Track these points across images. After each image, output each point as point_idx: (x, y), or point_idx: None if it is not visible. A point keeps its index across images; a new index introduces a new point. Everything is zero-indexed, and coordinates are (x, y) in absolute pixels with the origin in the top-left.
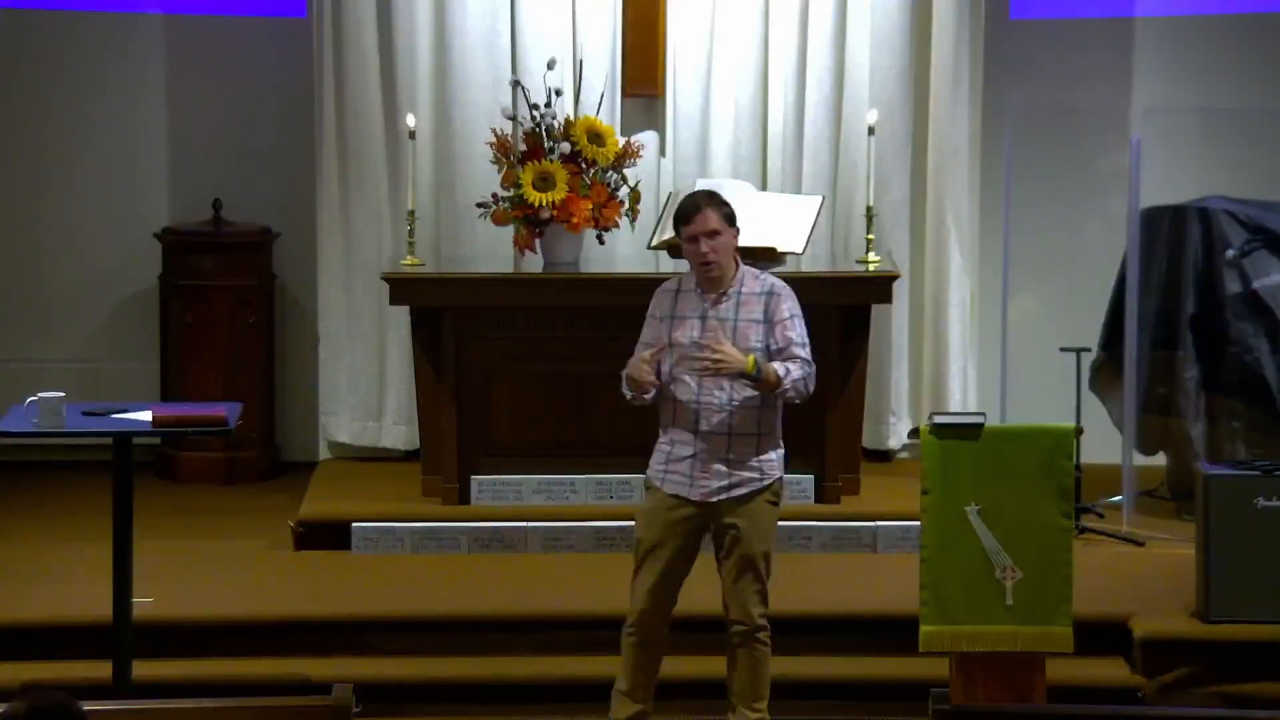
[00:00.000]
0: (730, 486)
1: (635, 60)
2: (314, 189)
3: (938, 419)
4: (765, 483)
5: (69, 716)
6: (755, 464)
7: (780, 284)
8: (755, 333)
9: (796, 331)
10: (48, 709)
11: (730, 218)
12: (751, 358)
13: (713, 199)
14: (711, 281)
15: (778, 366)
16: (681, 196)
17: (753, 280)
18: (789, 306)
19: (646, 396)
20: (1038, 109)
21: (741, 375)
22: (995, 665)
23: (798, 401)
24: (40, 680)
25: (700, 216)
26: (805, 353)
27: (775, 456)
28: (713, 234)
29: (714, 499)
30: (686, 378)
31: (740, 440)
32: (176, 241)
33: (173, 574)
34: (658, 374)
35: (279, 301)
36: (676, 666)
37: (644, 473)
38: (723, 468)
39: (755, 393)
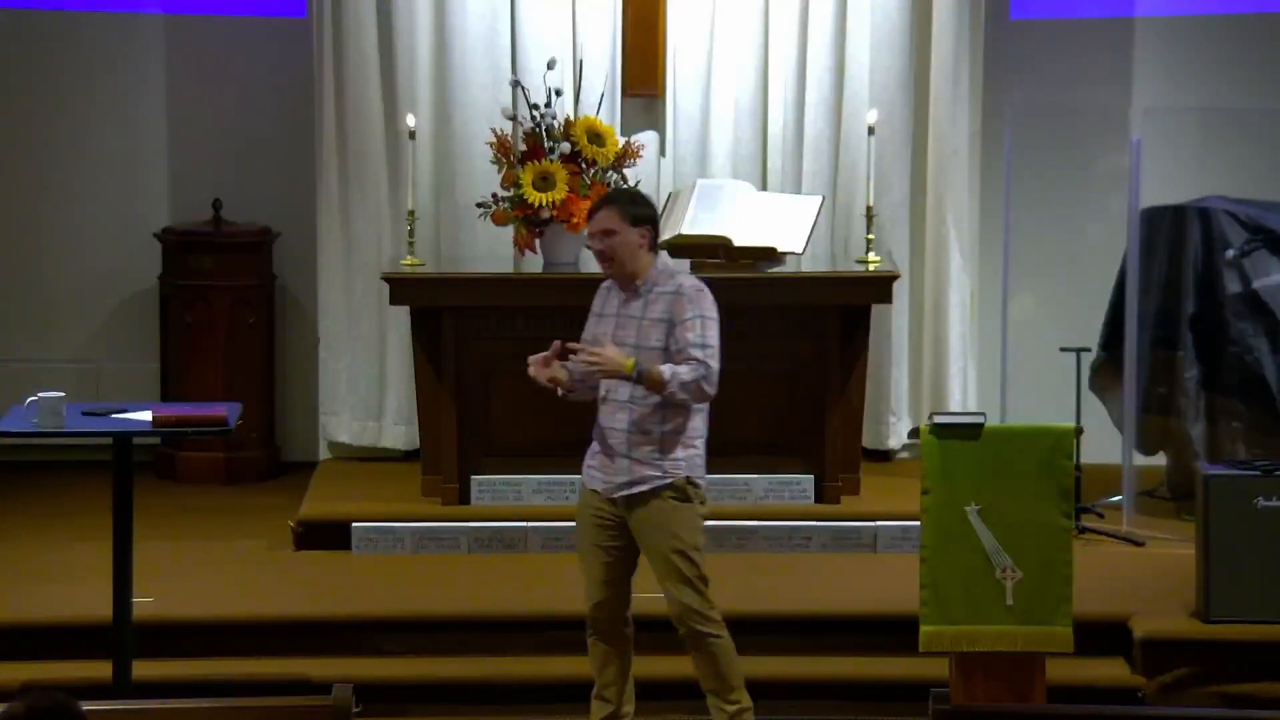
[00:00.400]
0: (631, 484)
1: (635, 60)
2: (314, 189)
3: (938, 419)
4: (667, 480)
5: (68, 717)
6: (657, 462)
7: (690, 285)
8: (657, 332)
9: (695, 333)
10: (47, 709)
11: (637, 217)
12: (631, 360)
13: (619, 199)
14: (618, 278)
15: (665, 368)
16: (681, 195)
17: (666, 280)
18: (692, 308)
19: (571, 394)
20: (1038, 109)
21: (624, 377)
22: (995, 665)
23: (694, 403)
24: (40, 680)
25: (599, 215)
26: (702, 354)
27: (683, 455)
28: (607, 233)
29: (617, 495)
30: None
31: (642, 438)
32: (176, 241)
33: (173, 574)
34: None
35: (279, 301)
36: (677, 667)
37: None
38: (625, 463)
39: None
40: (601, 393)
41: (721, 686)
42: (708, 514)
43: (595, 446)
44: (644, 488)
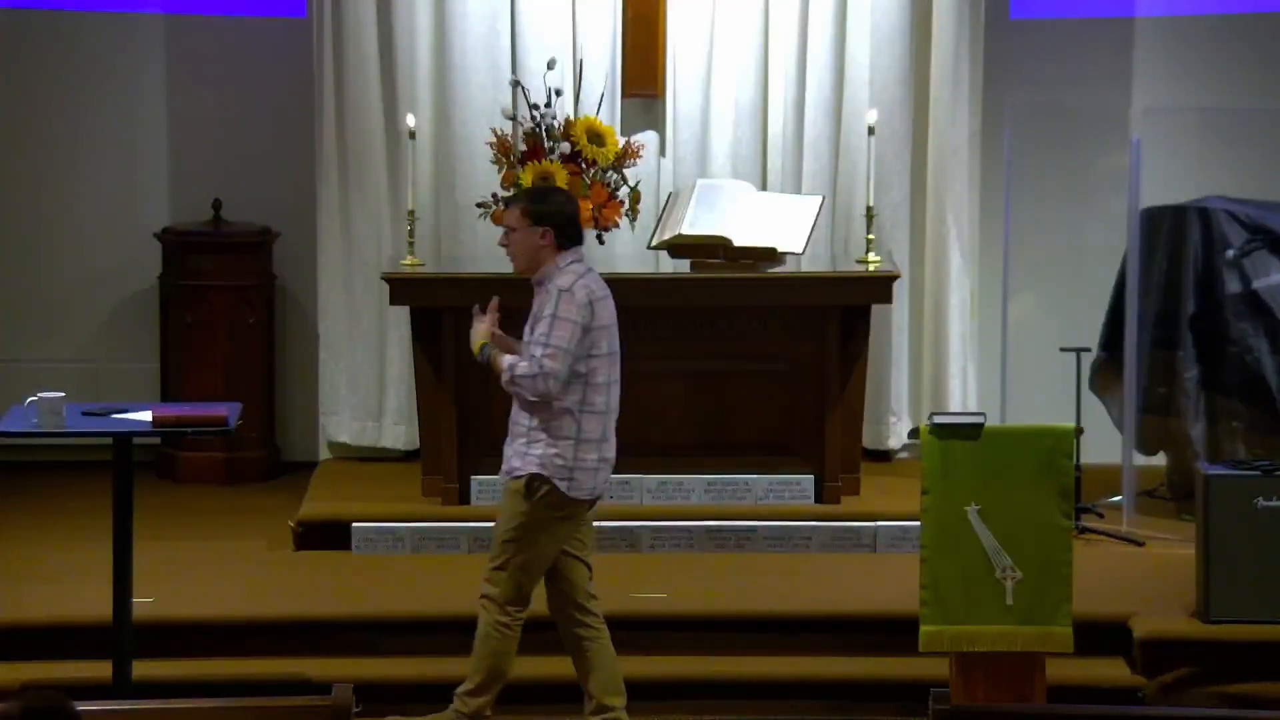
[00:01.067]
0: (505, 471)
1: (635, 60)
2: (314, 189)
3: (938, 419)
4: (517, 474)
5: (63, 717)
6: (520, 455)
7: (564, 284)
8: (536, 326)
9: (541, 331)
10: (41, 710)
11: (537, 214)
12: (480, 342)
13: (523, 197)
14: (521, 273)
15: (507, 359)
16: (681, 195)
17: (557, 277)
18: (550, 307)
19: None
20: (1038, 109)
21: (473, 357)
22: (995, 665)
23: (529, 397)
24: (40, 680)
25: (505, 212)
26: (540, 352)
27: (538, 455)
28: (508, 230)
29: (499, 482)
30: None
31: (516, 428)
32: (176, 241)
33: (173, 574)
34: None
35: (279, 301)
36: (677, 667)
37: (636, 473)
38: (509, 449)
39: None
40: None
41: (471, 669)
42: (553, 518)
43: None
44: (505, 477)
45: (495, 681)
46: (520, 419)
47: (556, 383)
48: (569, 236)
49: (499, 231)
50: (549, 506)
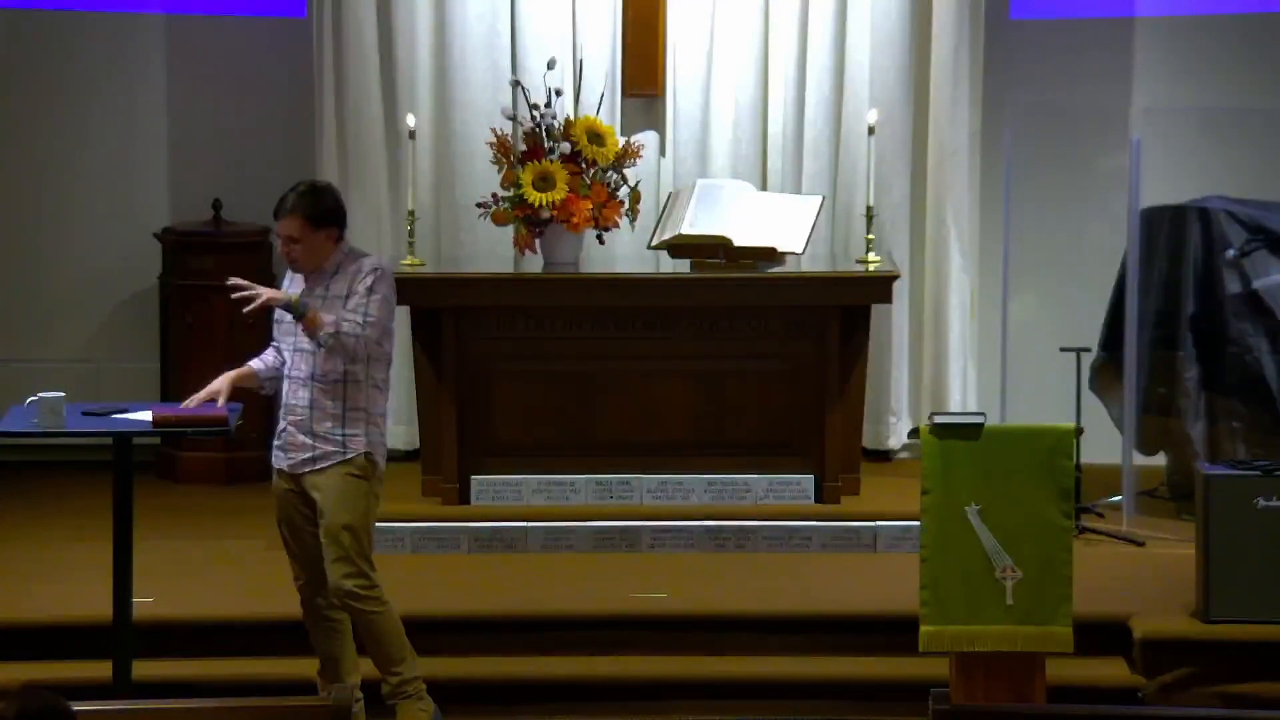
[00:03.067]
0: (314, 459)
1: (635, 60)
2: None
3: (938, 419)
4: (347, 456)
5: (59, 717)
6: (338, 437)
7: (372, 264)
8: (338, 307)
9: (358, 302)
10: (37, 710)
11: (318, 219)
12: (295, 296)
13: (301, 200)
14: (304, 274)
15: (328, 316)
16: (681, 195)
17: (351, 261)
18: (365, 282)
19: (265, 389)
20: (1038, 109)
21: (287, 306)
22: (995, 665)
23: (345, 359)
24: (41, 680)
25: (284, 222)
26: (362, 319)
27: (363, 433)
28: (292, 240)
29: (300, 471)
30: (286, 353)
31: (321, 414)
32: (176, 241)
33: (173, 574)
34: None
35: None
36: (676, 667)
37: (636, 473)
38: (308, 440)
39: (335, 369)
40: (284, 370)
41: (384, 660)
42: (377, 493)
43: (280, 425)
44: (325, 464)
45: (410, 649)
46: (324, 403)
47: (367, 351)
48: (344, 227)
49: (499, 231)
50: (378, 482)
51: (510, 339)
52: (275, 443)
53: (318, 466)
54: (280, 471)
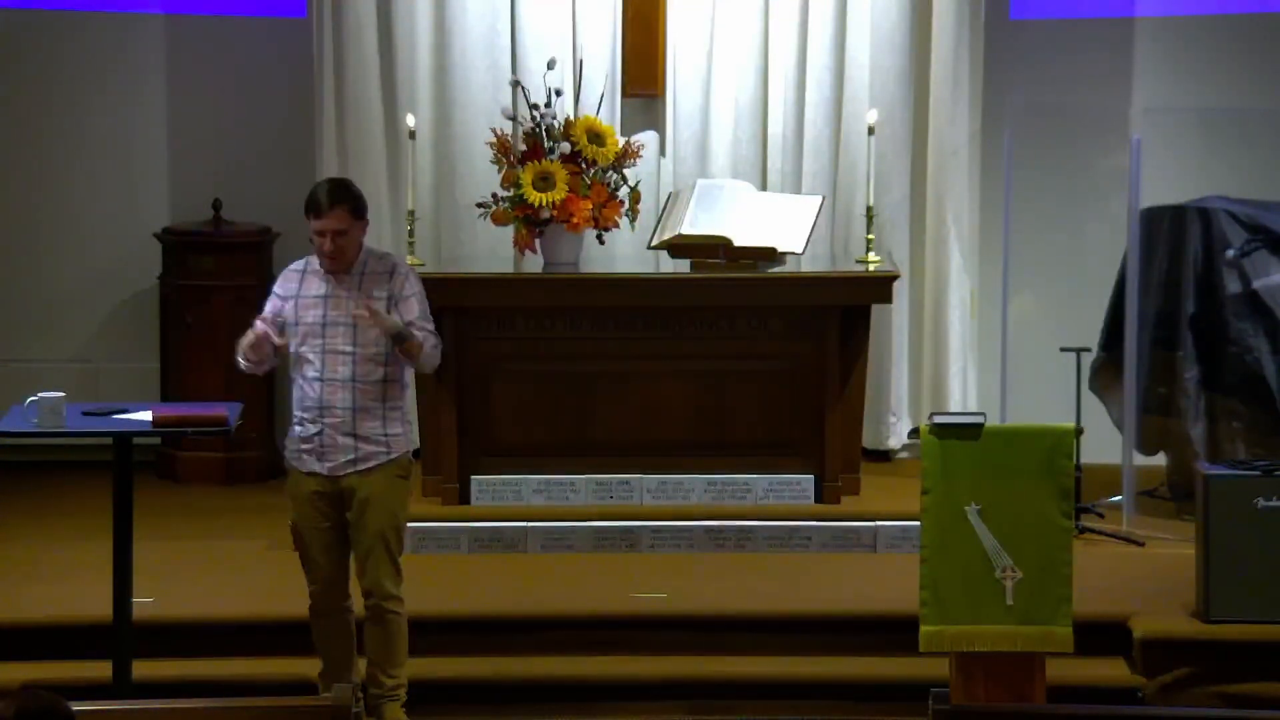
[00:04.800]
0: (355, 460)
1: (635, 60)
2: None
3: (938, 419)
4: (392, 455)
5: (57, 718)
6: (382, 438)
7: (403, 264)
8: (400, 305)
9: (420, 311)
10: (35, 711)
11: (359, 211)
12: (400, 321)
13: (342, 194)
14: (337, 270)
15: (417, 332)
16: (681, 195)
17: (375, 261)
18: (410, 286)
19: (263, 367)
20: (1038, 109)
21: (387, 328)
22: (995, 665)
23: (428, 369)
24: (40, 680)
25: (332, 215)
26: (430, 327)
27: (402, 431)
28: (339, 234)
29: (341, 473)
30: (311, 356)
31: (365, 415)
32: (176, 241)
33: (173, 574)
34: (277, 350)
35: None
36: (675, 667)
37: (636, 473)
38: (349, 441)
39: (380, 369)
40: (310, 375)
41: (389, 661)
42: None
43: (308, 429)
44: (369, 464)
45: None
46: (367, 404)
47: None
48: None
49: (499, 231)
50: (414, 480)
51: (510, 339)
52: (303, 446)
53: (360, 468)
54: (309, 475)
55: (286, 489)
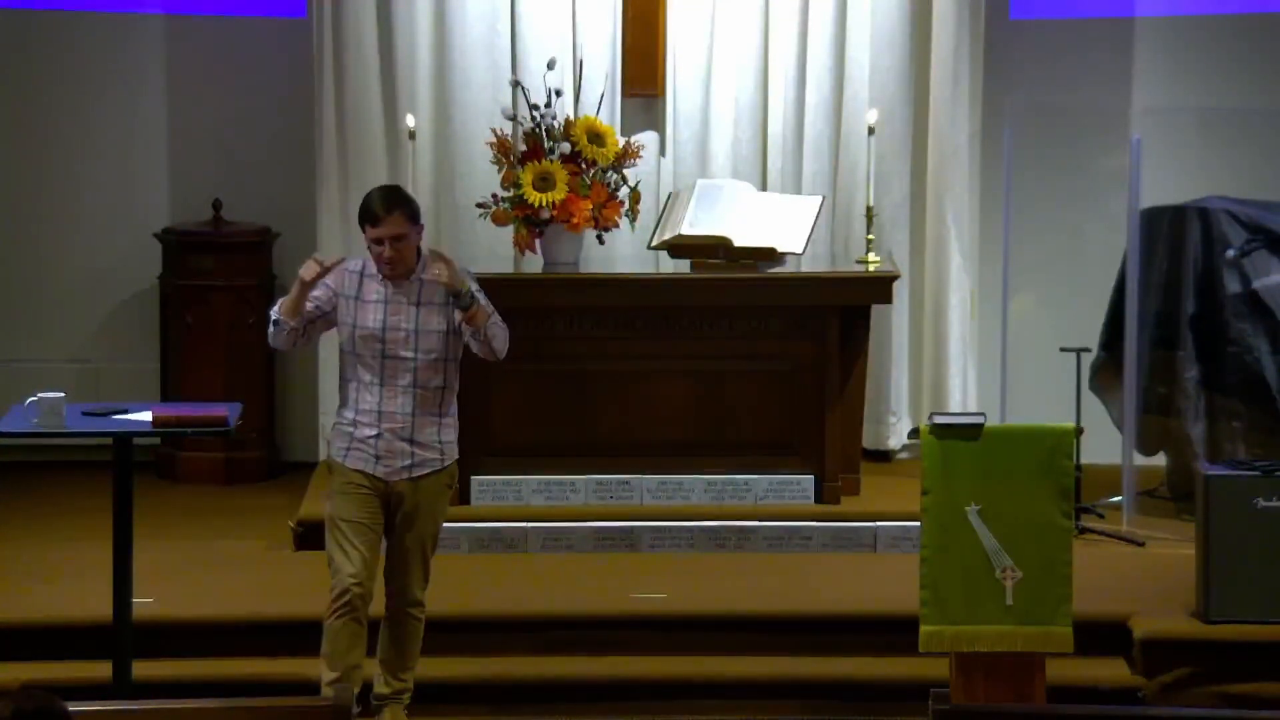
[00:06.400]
0: (411, 466)
1: (635, 60)
2: (314, 189)
3: (938, 419)
4: (445, 464)
5: (53, 717)
6: (436, 445)
7: (458, 265)
8: (438, 316)
9: (483, 297)
10: (31, 711)
11: (415, 215)
12: (469, 284)
13: (398, 199)
14: (397, 276)
15: (485, 303)
16: (681, 195)
17: (435, 259)
18: (475, 282)
19: (291, 339)
20: (1038, 109)
21: (456, 293)
22: (995, 665)
23: (498, 348)
24: (40, 680)
25: (390, 220)
26: (497, 317)
27: (454, 439)
28: (399, 238)
29: (396, 478)
30: (371, 360)
31: (423, 421)
32: (176, 241)
33: (173, 574)
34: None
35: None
36: (675, 667)
37: (636, 473)
38: (405, 447)
39: (439, 375)
40: (367, 378)
41: (402, 664)
42: None
43: (357, 431)
44: (423, 470)
45: None
46: (430, 408)
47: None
48: None
49: (499, 231)
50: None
51: (510, 339)
52: (360, 449)
53: (414, 474)
54: (364, 474)
55: (331, 483)
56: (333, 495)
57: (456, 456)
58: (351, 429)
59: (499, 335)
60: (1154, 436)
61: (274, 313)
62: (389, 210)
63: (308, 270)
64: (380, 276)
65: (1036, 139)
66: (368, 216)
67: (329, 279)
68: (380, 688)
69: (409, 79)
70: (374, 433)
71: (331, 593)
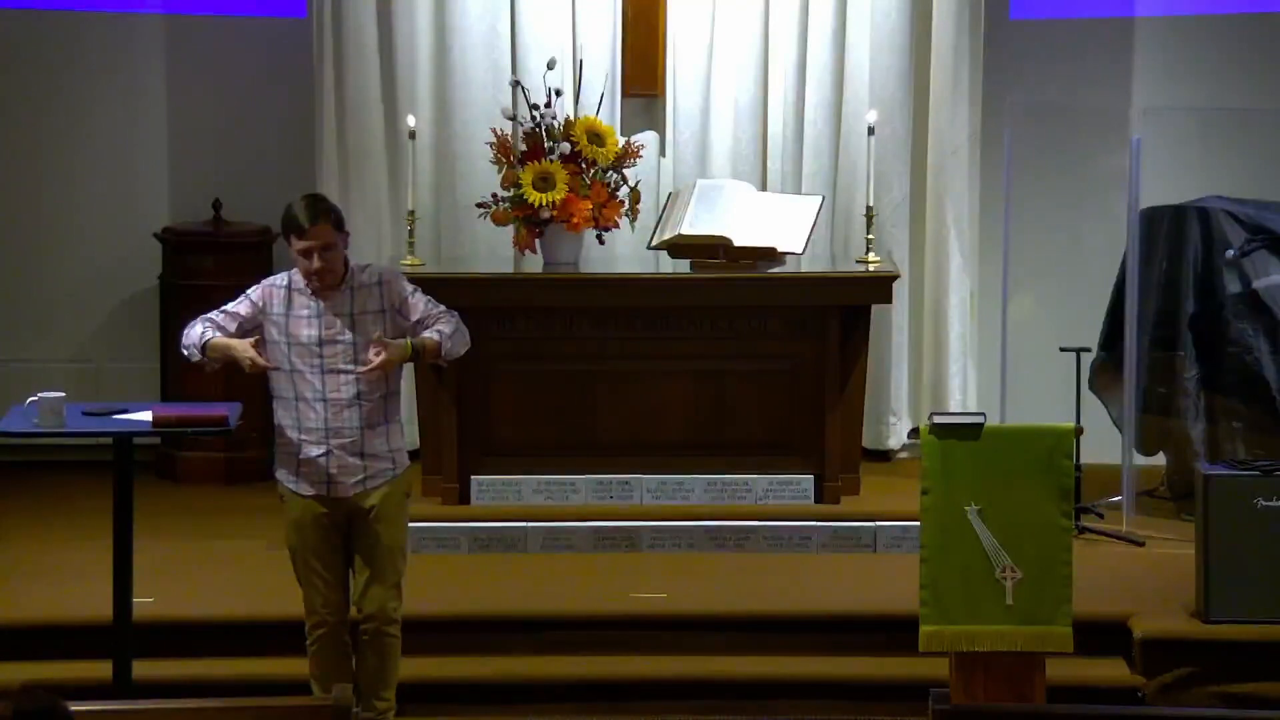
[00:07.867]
0: (365, 480)
1: (635, 60)
2: (314, 189)
3: (938, 419)
4: (397, 472)
5: (55, 718)
6: (388, 454)
7: (387, 270)
8: (375, 323)
9: (423, 300)
10: (33, 711)
11: (340, 223)
12: (407, 341)
13: (322, 208)
14: (327, 287)
15: (429, 334)
16: (681, 195)
17: (361, 273)
18: (404, 286)
19: (211, 364)
20: (1038, 109)
21: (406, 359)
22: (995, 665)
23: (463, 350)
24: (40, 680)
25: (315, 230)
26: (442, 308)
27: (403, 444)
28: (328, 248)
29: (349, 493)
30: (310, 377)
31: (372, 432)
32: (176, 241)
33: (173, 574)
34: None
35: None
36: (675, 667)
37: (636, 473)
38: (357, 460)
39: (382, 384)
40: (309, 395)
41: (383, 684)
42: None
43: (311, 451)
44: (378, 481)
45: None
46: (373, 421)
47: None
48: None
49: (499, 231)
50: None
51: (510, 339)
52: (309, 472)
53: (369, 486)
54: (315, 498)
55: (286, 517)
56: (289, 527)
57: (408, 463)
58: (297, 451)
59: (459, 343)
60: (1154, 436)
61: (196, 338)
62: (314, 220)
63: (247, 364)
64: (310, 290)
65: (1036, 139)
66: (293, 228)
67: (254, 296)
68: (365, 711)
69: (409, 79)
70: (322, 451)
71: (307, 623)
